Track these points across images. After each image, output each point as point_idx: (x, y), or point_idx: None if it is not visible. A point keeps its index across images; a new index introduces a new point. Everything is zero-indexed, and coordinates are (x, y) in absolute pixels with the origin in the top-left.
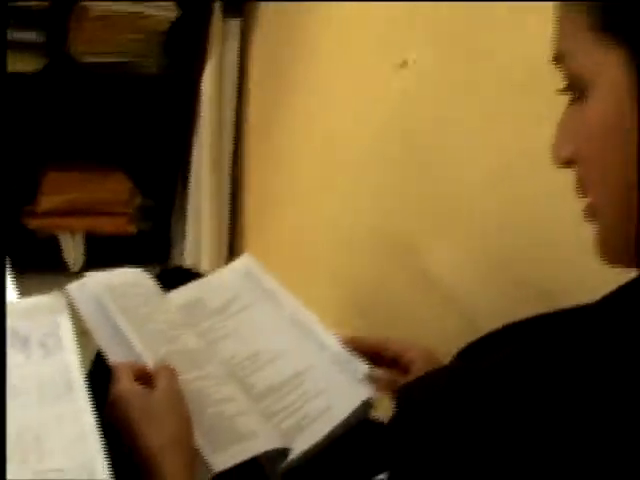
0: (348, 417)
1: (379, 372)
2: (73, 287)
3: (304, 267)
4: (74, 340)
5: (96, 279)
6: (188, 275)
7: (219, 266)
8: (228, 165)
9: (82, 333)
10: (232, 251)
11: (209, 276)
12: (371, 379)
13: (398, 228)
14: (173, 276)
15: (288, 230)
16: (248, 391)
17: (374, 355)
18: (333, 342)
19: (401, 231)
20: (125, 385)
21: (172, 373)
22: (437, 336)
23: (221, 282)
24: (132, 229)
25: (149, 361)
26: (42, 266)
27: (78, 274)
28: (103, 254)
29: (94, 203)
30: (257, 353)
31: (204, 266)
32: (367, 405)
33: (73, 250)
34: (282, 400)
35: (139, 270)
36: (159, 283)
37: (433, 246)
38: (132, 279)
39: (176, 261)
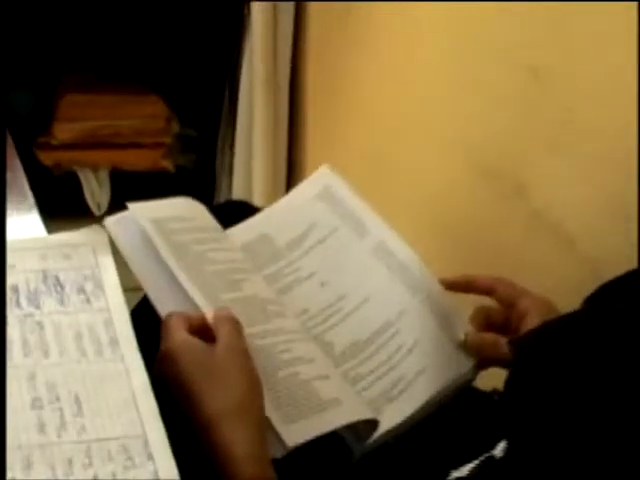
0: (450, 384)
1: (485, 335)
2: (112, 221)
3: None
4: (118, 284)
5: (140, 211)
6: (246, 210)
7: None
8: (285, 87)
9: (125, 275)
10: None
11: (275, 205)
12: (474, 342)
13: (502, 164)
14: (227, 212)
15: (360, 167)
16: (327, 349)
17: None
18: (432, 285)
19: (507, 168)
20: (180, 338)
21: (236, 326)
22: (555, 284)
23: (291, 210)
24: (168, 164)
25: (207, 311)
26: (59, 210)
27: (103, 218)
28: (133, 195)
29: (122, 132)
30: (338, 300)
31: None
32: (472, 371)
33: (96, 190)
34: (369, 361)
35: (192, 201)
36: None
37: (546, 186)
38: (184, 211)
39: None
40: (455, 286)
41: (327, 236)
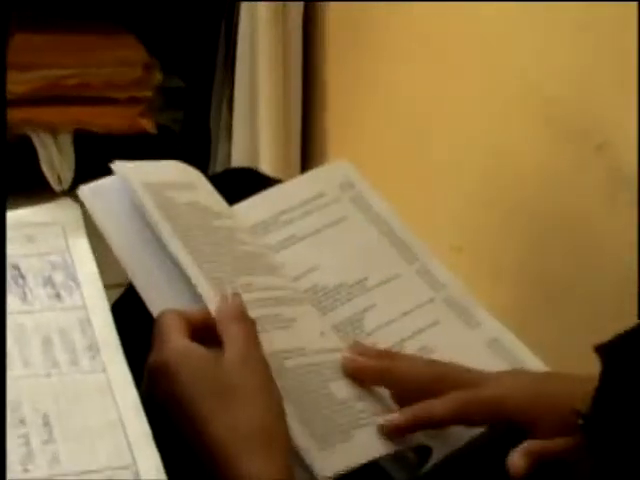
0: None
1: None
2: (88, 190)
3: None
4: (96, 274)
5: (125, 175)
6: (254, 180)
7: (285, 178)
8: (297, 24)
9: (106, 265)
10: (306, 157)
11: (286, 183)
12: None
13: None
14: (230, 182)
15: (398, 124)
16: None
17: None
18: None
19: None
20: (178, 344)
21: (250, 326)
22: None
23: (307, 193)
24: (148, 124)
25: (212, 306)
26: (12, 185)
27: (68, 195)
28: (103, 165)
29: (89, 84)
30: (366, 306)
31: None
32: None
33: (56, 159)
34: None
35: (187, 165)
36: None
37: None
38: (181, 177)
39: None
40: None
41: (347, 229)
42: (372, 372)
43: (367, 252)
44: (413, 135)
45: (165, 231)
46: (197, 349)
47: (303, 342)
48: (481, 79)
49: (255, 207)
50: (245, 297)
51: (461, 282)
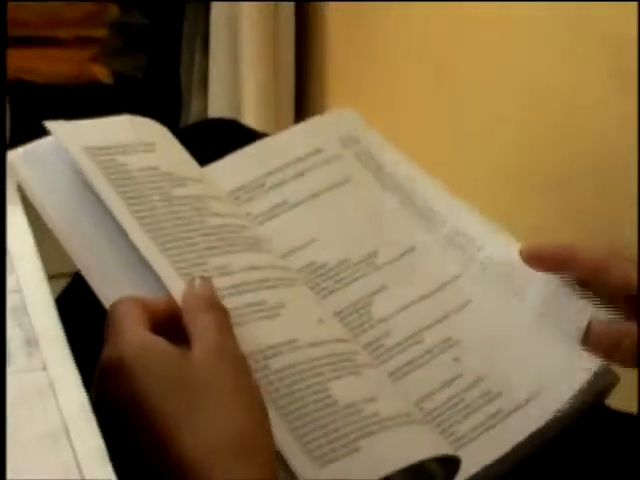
0: (569, 404)
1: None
2: (19, 156)
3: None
4: (34, 252)
5: (69, 135)
6: (234, 134)
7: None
8: None
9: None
10: (300, 111)
11: (274, 137)
12: (592, 336)
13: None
14: (205, 137)
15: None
16: (375, 346)
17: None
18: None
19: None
20: (136, 338)
21: (222, 316)
22: None
23: (301, 148)
24: (102, 72)
25: (177, 294)
26: None
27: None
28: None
29: (26, 21)
30: (380, 283)
31: None
32: (604, 377)
33: None
34: (440, 364)
35: (148, 120)
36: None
37: None
38: (137, 137)
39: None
40: (540, 260)
41: (351, 191)
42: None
43: (377, 220)
44: (424, 80)
45: (115, 206)
46: (159, 342)
47: (295, 333)
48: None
49: (235, 167)
50: (220, 282)
51: (503, 238)
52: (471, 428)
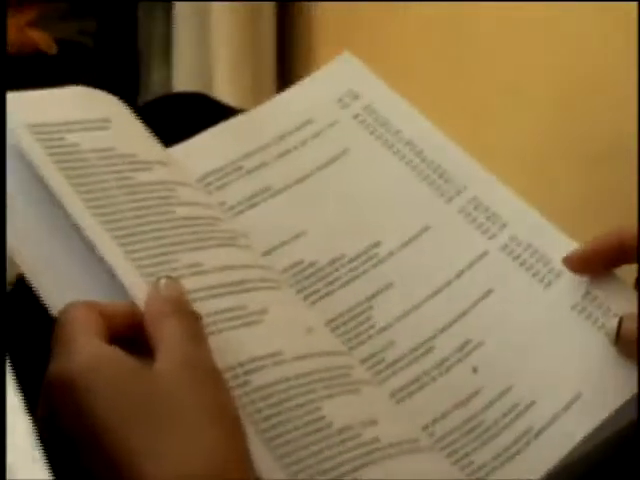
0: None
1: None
2: None
3: None
4: None
5: (11, 107)
6: (204, 109)
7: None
8: None
9: None
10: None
11: (254, 110)
12: (623, 335)
13: None
14: (169, 114)
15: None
16: (377, 370)
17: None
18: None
19: None
20: (90, 350)
21: (193, 323)
22: None
23: (288, 122)
24: (44, 39)
25: (140, 298)
26: None
27: None
28: None
29: None
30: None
31: None
32: None
33: None
34: (448, 384)
35: (102, 93)
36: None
37: None
38: (86, 113)
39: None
40: (588, 265)
41: (348, 164)
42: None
43: (381, 200)
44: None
45: (65, 194)
46: (117, 355)
47: (279, 344)
48: None
49: (206, 149)
50: (191, 283)
51: (533, 213)
52: (493, 456)
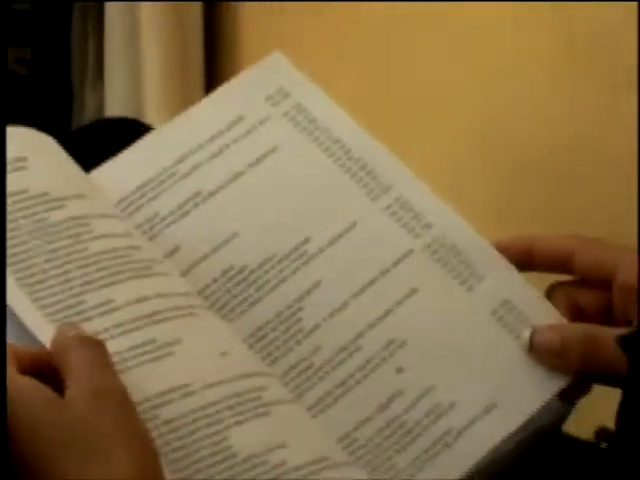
0: (520, 430)
1: (572, 328)
2: None
3: None
4: None
5: None
6: (134, 133)
7: None
8: None
9: None
10: None
11: (181, 116)
12: (550, 342)
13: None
14: (97, 141)
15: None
16: (306, 377)
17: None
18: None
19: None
20: (11, 381)
21: (99, 351)
22: None
23: (217, 122)
24: None
25: (47, 340)
26: None
27: None
28: None
29: None
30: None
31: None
32: (559, 403)
33: None
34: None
35: (16, 129)
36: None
37: None
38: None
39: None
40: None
41: (276, 160)
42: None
43: (311, 196)
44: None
45: None
46: (33, 388)
47: (190, 375)
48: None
49: (138, 160)
50: (100, 323)
51: (458, 216)
52: (414, 458)
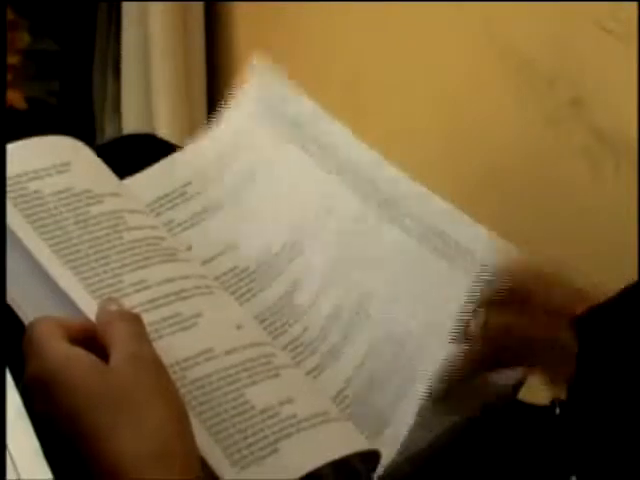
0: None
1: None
2: None
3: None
4: None
5: None
6: (152, 148)
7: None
8: None
9: None
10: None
11: (193, 145)
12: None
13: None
14: (123, 152)
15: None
16: (299, 351)
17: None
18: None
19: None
20: (58, 350)
21: (136, 326)
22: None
23: (222, 144)
24: (16, 98)
25: (92, 314)
26: None
27: None
28: None
29: None
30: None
31: None
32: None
33: None
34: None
35: (62, 138)
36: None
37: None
38: (49, 160)
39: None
40: None
41: (272, 176)
42: None
43: (305, 198)
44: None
45: (26, 237)
46: (81, 355)
47: (211, 342)
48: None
49: (156, 178)
50: (136, 298)
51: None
52: (388, 403)
